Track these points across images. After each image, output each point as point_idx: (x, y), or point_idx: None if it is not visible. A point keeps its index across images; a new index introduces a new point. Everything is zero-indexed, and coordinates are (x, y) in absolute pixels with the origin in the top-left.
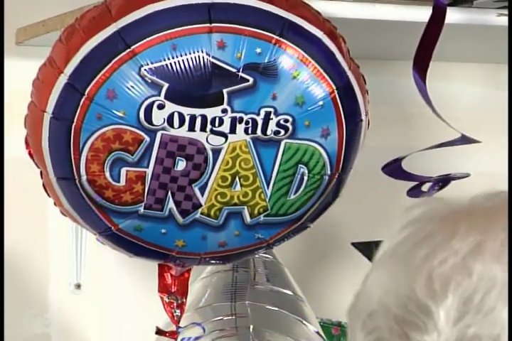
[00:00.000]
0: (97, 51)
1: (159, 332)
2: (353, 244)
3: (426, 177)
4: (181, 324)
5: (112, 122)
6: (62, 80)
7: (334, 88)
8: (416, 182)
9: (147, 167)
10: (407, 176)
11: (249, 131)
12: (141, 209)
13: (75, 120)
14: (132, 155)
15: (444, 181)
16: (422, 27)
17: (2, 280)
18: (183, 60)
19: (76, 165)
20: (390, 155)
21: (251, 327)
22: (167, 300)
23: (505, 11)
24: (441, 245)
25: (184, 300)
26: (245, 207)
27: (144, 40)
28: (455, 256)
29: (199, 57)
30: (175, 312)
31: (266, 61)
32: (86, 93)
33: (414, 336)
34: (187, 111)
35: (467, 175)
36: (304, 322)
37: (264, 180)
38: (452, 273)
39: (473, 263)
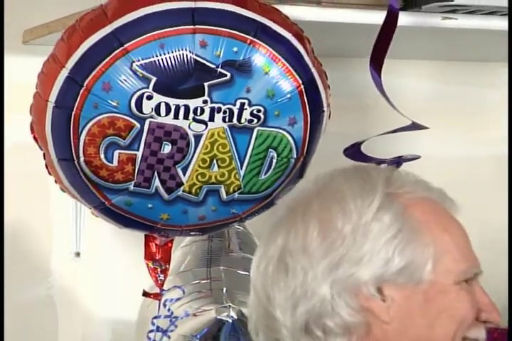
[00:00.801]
0: (94, 48)
1: (145, 294)
2: None
3: (381, 159)
4: (164, 287)
5: (106, 111)
6: (64, 74)
7: (300, 83)
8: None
9: (137, 150)
10: (365, 158)
11: (226, 120)
12: (131, 187)
13: (75, 108)
14: (124, 139)
15: (397, 162)
16: (377, 28)
17: (2, 273)
18: (169, 57)
19: (75, 148)
20: (349, 140)
21: (224, 289)
22: (152, 266)
23: (450, 15)
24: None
25: (167, 266)
26: (222, 186)
27: (136, 40)
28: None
29: (183, 54)
30: (159, 276)
31: (241, 59)
32: (84, 85)
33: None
34: (172, 101)
35: (418, 157)
36: None
37: (238, 162)
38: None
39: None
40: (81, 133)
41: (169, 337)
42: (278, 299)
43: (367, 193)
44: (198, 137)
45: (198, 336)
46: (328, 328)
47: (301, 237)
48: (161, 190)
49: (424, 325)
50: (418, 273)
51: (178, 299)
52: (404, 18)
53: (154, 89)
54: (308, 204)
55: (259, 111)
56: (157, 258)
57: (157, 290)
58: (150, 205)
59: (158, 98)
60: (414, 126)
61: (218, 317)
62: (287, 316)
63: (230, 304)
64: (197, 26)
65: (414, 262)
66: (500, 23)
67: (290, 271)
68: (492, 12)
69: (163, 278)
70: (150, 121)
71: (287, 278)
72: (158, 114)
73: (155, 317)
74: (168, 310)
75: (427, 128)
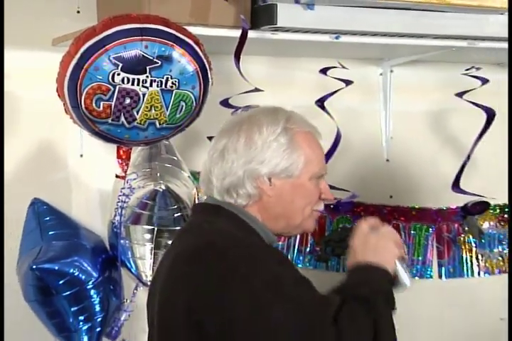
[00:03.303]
0: (89, 49)
1: (117, 176)
2: None
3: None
4: (128, 172)
5: (96, 81)
6: (73, 62)
7: (197, 66)
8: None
9: (112, 101)
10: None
11: (159, 86)
12: (109, 120)
13: (79, 80)
14: (105, 96)
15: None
16: (237, 39)
17: (2, 273)
18: (129, 53)
19: (79, 100)
20: (220, 97)
21: (158, 174)
22: (120, 162)
23: (275, 32)
24: None
25: (128, 162)
26: (156, 120)
27: (111, 44)
28: None
29: (136, 51)
30: (124, 167)
31: (166, 54)
32: (84, 68)
33: None
34: (130, 76)
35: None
36: (182, 171)
37: (165, 108)
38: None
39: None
40: (82, 92)
41: (125, 207)
42: (215, 172)
43: (275, 124)
44: (144, 95)
45: (140, 204)
46: (239, 193)
47: (235, 142)
48: (125, 123)
49: (289, 200)
50: (292, 172)
51: (134, 179)
52: (251, 33)
53: (121, 70)
54: (241, 124)
55: (175, 81)
56: (123, 157)
57: (123, 174)
58: (119, 130)
59: (123, 74)
60: (256, 89)
61: (155, 188)
62: (218, 183)
63: (161, 181)
64: (143, 37)
65: (291, 165)
66: (302, 37)
67: (225, 159)
68: (297, 31)
69: (126, 168)
70: (119, 87)
71: (222, 163)
72: (123, 83)
73: (122, 188)
74: (129, 184)
75: (261, 90)
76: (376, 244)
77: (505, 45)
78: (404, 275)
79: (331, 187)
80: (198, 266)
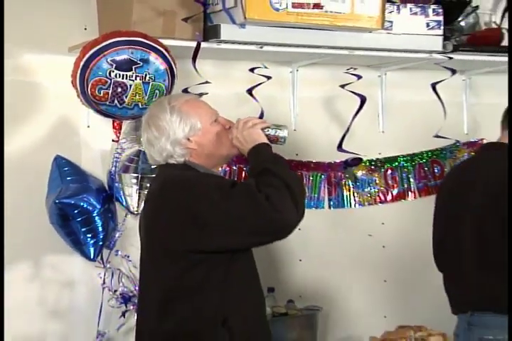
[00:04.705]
0: (93, 54)
1: (113, 140)
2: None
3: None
4: (120, 138)
5: (98, 76)
6: (82, 63)
7: (167, 66)
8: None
9: (109, 90)
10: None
11: (140, 79)
12: (107, 103)
13: (86, 75)
14: (104, 85)
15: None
16: (193, 48)
17: (2, 274)
18: (120, 57)
19: (86, 89)
20: (181, 87)
21: (141, 139)
22: (115, 131)
23: (220, 43)
24: None
25: (120, 131)
26: (139, 103)
27: (108, 51)
28: None
29: (125, 56)
30: (117, 135)
31: (145, 58)
32: (89, 67)
33: None
34: (121, 72)
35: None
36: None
37: (144, 94)
38: None
39: None
40: (88, 84)
41: (118, 161)
42: (153, 154)
43: (163, 109)
44: (130, 85)
45: (128, 159)
46: (176, 156)
47: (151, 133)
48: (117, 104)
49: (209, 143)
50: (196, 128)
51: (124, 142)
52: (203, 44)
53: (115, 69)
54: (147, 121)
55: (152, 76)
56: (117, 128)
57: (117, 139)
58: (114, 110)
59: (116, 71)
60: (206, 82)
61: (139, 148)
62: (160, 158)
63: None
64: (130, 46)
65: (192, 124)
66: (237, 46)
67: (153, 145)
68: (234, 42)
69: (119, 135)
70: (113, 80)
71: (154, 148)
72: (116, 77)
73: (116, 148)
74: (121, 146)
75: (210, 83)
76: (243, 136)
77: (373, 53)
78: (278, 132)
79: None
80: (168, 194)
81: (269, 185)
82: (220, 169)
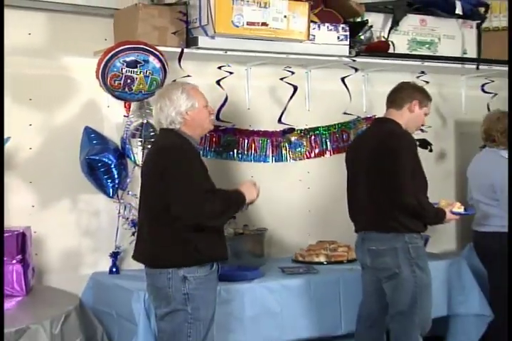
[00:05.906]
0: (110, 57)
1: (125, 116)
2: None
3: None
4: (129, 114)
5: (114, 71)
6: (103, 63)
7: (161, 65)
8: None
9: (122, 81)
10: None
11: (143, 74)
12: (120, 90)
13: (106, 71)
14: (118, 78)
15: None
16: (179, 52)
17: (2, 275)
18: (129, 58)
19: (106, 80)
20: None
21: (144, 115)
22: (125, 109)
23: (197, 49)
24: None
25: (129, 109)
26: (143, 90)
27: (121, 54)
28: None
29: (132, 58)
30: (128, 112)
31: (146, 59)
32: (108, 65)
33: None
34: (130, 69)
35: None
36: None
37: (146, 84)
38: None
39: None
40: (107, 77)
41: (128, 130)
42: (161, 117)
43: (178, 89)
44: (136, 78)
45: (135, 129)
46: (175, 122)
47: (164, 102)
48: (127, 91)
49: (198, 118)
50: (194, 106)
51: (132, 117)
52: (186, 50)
53: (126, 66)
54: (163, 93)
55: (151, 72)
56: (127, 107)
57: (127, 115)
58: (124, 95)
59: (126, 68)
60: (188, 76)
61: (142, 121)
62: (165, 121)
63: (145, 118)
64: (135, 51)
65: (193, 104)
66: (209, 52)
67: (163, 111)
68: (207, 49)
69: (129, 112)
70: (125, 74)
71: (163, 112)
72: (126, 72)
73: (127, 121)
74: (130, 120)
75: (189, 76)
76: (245, 189)
77: (302, 56)
78: (248, 206)
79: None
80: (162, 154)
81: (226, 198)
82: (198, 139)
